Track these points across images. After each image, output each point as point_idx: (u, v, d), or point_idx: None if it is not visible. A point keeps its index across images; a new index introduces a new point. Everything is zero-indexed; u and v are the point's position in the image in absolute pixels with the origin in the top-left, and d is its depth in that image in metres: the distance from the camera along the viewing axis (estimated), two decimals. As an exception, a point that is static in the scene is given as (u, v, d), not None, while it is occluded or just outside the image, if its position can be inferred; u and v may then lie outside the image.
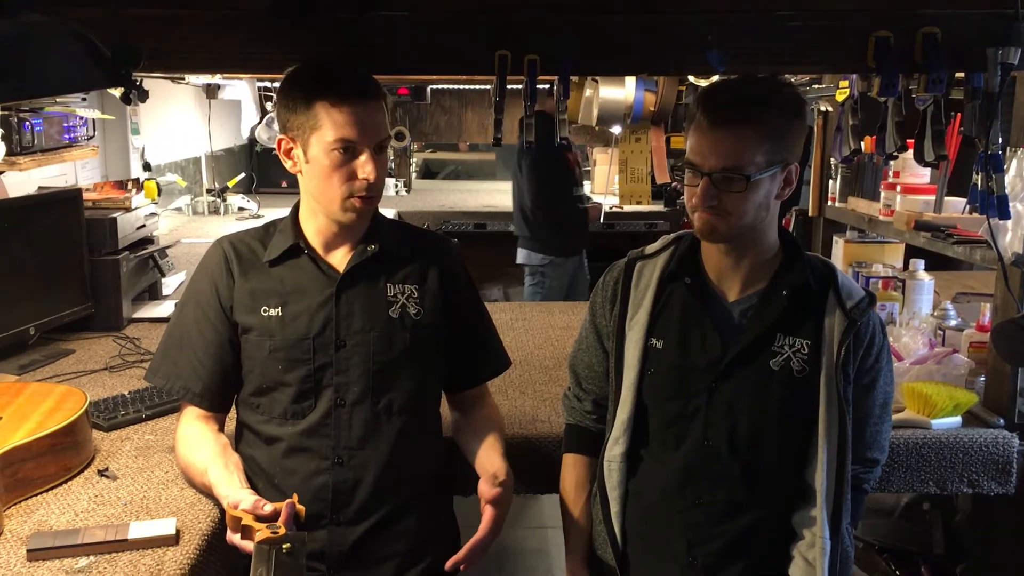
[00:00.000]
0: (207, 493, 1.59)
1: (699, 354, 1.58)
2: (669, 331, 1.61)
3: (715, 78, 2.23)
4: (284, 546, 1.34)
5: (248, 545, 1.38)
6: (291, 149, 1.62)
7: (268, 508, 1.42)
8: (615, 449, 1.63)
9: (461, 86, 6.17)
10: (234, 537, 1.42)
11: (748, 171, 1.47)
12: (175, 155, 5.05)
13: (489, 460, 1.67)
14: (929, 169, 2.60)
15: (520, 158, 4.58)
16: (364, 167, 1.57)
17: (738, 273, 1.59)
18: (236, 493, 1.47)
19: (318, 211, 1.65)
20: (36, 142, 2.85)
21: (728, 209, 1.49)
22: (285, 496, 1.61)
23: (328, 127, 1.55)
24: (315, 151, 1.57)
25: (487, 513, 1.55)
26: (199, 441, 1.64)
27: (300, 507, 1.46)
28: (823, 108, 3.41)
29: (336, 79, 1.57)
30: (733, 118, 1.47)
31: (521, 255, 4.68)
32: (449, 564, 1.54)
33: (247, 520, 1.40)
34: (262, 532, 1.36)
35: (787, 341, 1.56)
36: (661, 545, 1.60)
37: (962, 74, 1.85)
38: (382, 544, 1.65)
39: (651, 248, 1.69)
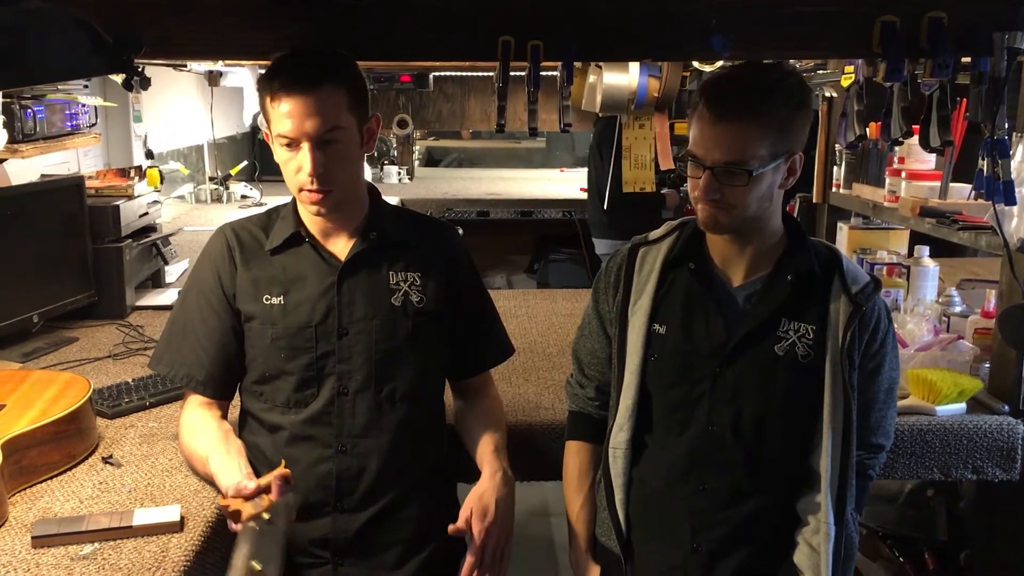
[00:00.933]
0: (210, 481, 1.59)
1: (703, 339, 1.58)
2: (672, 316, 1.60)
3: (719, 64, 2.21)
4: (264, 515, 1.35)
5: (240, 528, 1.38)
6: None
7: (251, 486, 1.41)
8: (619, 436, 1.62)
9: (464, 73, 6.15)
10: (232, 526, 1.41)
11: (751, 165, 1.45)
12: (178, 143, 5.05)
13: (487, 462, 1.67)
14: (934, 155, 2.59)
15: (600, 144, 4.58)
16: (303, 161, 1.54)
17: (742, 259, 1.59)
18: (226, 477, 1.47)
19: None
20: (38, 130, 2.84)
21: (731, 202, 1.48)
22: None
23: (273, 120, 1.55)
24: (273, 142, 1.59)
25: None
26: (202, 429, 1.64)
27: (286, 471, 1.45)
28: (828, 94, 3.39)
29: (278, 71, 1.54)
30: (736, 112, 1.45)
31: (601, 246, 4.66)
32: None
33: (235, 506, 1.39)
34: (246, 511, 1.37)
35: (792, 326, 1.55)
36: (665, 532, 1.60)
37: (968, 59, 1.84)
38: (386, 531, 1.66)
39: (655, 234, 1.69)
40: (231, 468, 1.51)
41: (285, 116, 1.52)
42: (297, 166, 1.56)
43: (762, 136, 1.45)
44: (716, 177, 1.47)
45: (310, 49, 1.60)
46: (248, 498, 1.40)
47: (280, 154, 1.58)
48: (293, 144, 1.55)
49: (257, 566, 1.34)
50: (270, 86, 1.54)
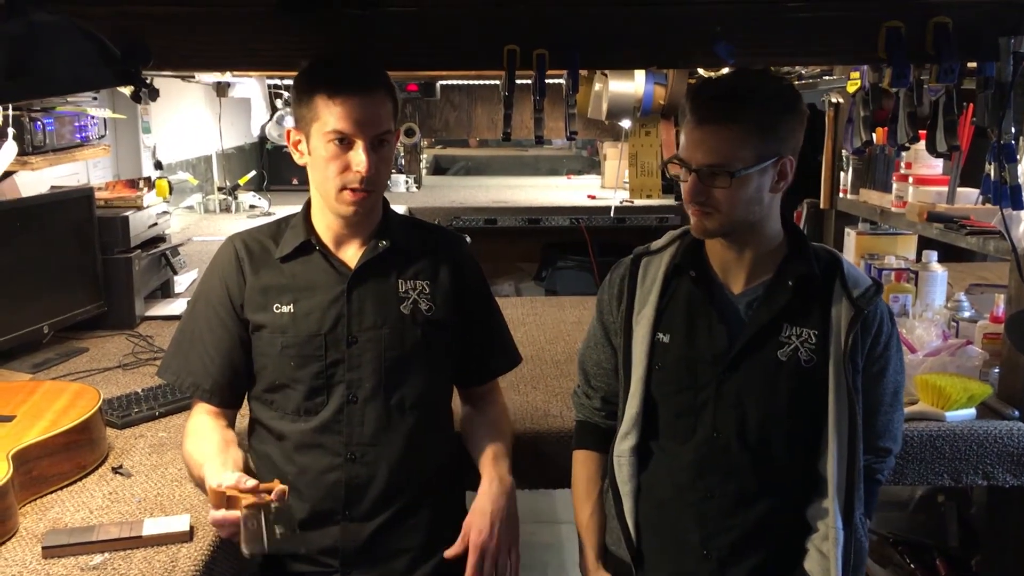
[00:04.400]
0: (201, 485, 1.57)
1: (706, 347, 1.58)
2: (676, 325, 1.60)
3: (725, 70, 2.22)
4: (273, 506, 1.35)
5: (234, 514, 1.36)
6: (299, 142, 1.63)
7: (251, 483, 1.40)
8: (624, 444, 1.63)
9: (470, 82, 6.15)
10: (217, 513, 1.39)
11: (733, 167, 1.47)
12: (186, 153, 5.07)
13: (485, 471, 1.69)
14: (941, 160, 2.59)
15: None
16: (357, 160, 1.56)
17: (742, 265, 1.59)
18: (220, 475, 1.45)
19: (326, 206, 1.65)
20: (48, 142, 2.86)
21: (716, 205, 1.50)
22: (299, 492, 1.62)
23: (324, 119, 1.55)
24: (315, 142, 1.59)
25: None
26: (203, 436, 1.64)
27: (284, 487, 1.43)
28: (834, 100, 3.39)
29: (335, 72, 1.58)
30: (716, 115, 1.47)
31: None
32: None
33: (232, 493, 1.38)
34: (248, 499, 1.36)
35: (794, 331, 1.55)
36: (675, 539, 1.60)
37: (974, 64, 1.84)
38: (395, 539, 1.66)
39: (657, 244, 1.69)
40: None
41: (344, 114, 1.54)
42: (344, 164, 1.57)
43: (743, 139, 1.47)
44: (701, 179, 1.49)
45: (349, 55, 1.64)
46: (245, 492, 1.39)
47: (325, 151, 1.57)
48: (345, 142, 1.56)
49: (280, 530, 1.35)
50: (326, 84, 1.55)
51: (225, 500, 1.39)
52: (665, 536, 1.62)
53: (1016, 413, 2.04)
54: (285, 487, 1.42)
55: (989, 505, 2.36)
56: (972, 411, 2.04)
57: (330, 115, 1.55)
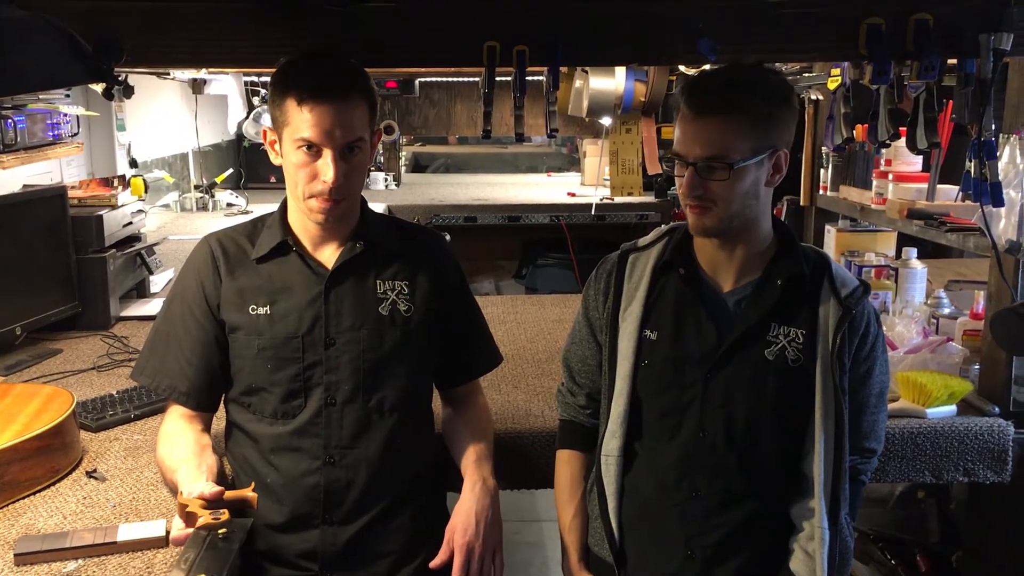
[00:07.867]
0: (174, 491, 1.54)
1: (693, 344, 1.57)
2: (663, 322, 1.60)
3: (707, 67, 2.21)
4: (220, 531, 1.31)
5: (187, 532, 1.33)
6: (274, 142, 1.61)
7: (215, 489, 1.37)
8: (612, 443, 1.61)
9: (449, 79, 6.14)
10: (176, 528, 1.36)
11: (731, 159, 1.46)
12: (162, 151, 5.01)
13: (467, 473, 1.68)
14: (921, 157, 2.60)
15: None
16: (324, 169, 1.53)
17: (732, 264, 1.58)
18: (190, 485, 1.42)
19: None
20: (19, 140, 2.82)
21: (713, 198, 1.49)
22: (277, 496, 1.60)
23: (294, 124, 1.52)
24: (286, 146, 1.56)
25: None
26: (178, 440, 1.61)
27: (252, 495, 1.42)
28: (814, 96, 3.39)
29: (306, 75, 1.53)
30: (714, 107, 1.47)
31: None
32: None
33: (193, 507, 1.36)
34: (204, 519, 1.33)
35: (782, 330, 1.55)
36: (658, 539, 1.59)
37: (954, 61, 1.84)
38: (376, 542, 1.64)
39: (644, 240, 1.69)
40: (195, 481, 1.46)
41: (313, 122, 1.50)
42: (312, 173, 1.54)
43: (741, 130, 1.46)
44: (698, 173, 1.48)
45: (327, 55, 1.59)
46: (208, 504, 1.36)
47: (295, 158, 1.55)
48: (313, 150, 1.53)
49: None
50: (296, 88, 1.51)
51: (186, 513, 1.36)
52: (649, 536, 1.61)
53: (997, 410, 2.05)
54: (254, 495, 1.40)
55: (970, 501, 2.37)
56: (953, 408, 2.04)
57: (300, 121, 1.51)
